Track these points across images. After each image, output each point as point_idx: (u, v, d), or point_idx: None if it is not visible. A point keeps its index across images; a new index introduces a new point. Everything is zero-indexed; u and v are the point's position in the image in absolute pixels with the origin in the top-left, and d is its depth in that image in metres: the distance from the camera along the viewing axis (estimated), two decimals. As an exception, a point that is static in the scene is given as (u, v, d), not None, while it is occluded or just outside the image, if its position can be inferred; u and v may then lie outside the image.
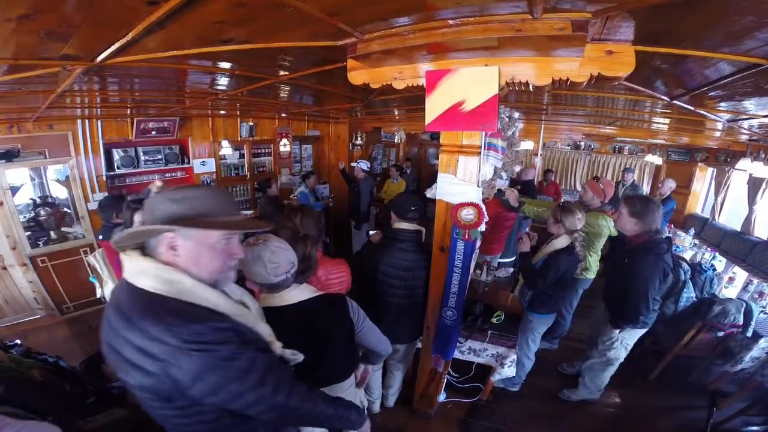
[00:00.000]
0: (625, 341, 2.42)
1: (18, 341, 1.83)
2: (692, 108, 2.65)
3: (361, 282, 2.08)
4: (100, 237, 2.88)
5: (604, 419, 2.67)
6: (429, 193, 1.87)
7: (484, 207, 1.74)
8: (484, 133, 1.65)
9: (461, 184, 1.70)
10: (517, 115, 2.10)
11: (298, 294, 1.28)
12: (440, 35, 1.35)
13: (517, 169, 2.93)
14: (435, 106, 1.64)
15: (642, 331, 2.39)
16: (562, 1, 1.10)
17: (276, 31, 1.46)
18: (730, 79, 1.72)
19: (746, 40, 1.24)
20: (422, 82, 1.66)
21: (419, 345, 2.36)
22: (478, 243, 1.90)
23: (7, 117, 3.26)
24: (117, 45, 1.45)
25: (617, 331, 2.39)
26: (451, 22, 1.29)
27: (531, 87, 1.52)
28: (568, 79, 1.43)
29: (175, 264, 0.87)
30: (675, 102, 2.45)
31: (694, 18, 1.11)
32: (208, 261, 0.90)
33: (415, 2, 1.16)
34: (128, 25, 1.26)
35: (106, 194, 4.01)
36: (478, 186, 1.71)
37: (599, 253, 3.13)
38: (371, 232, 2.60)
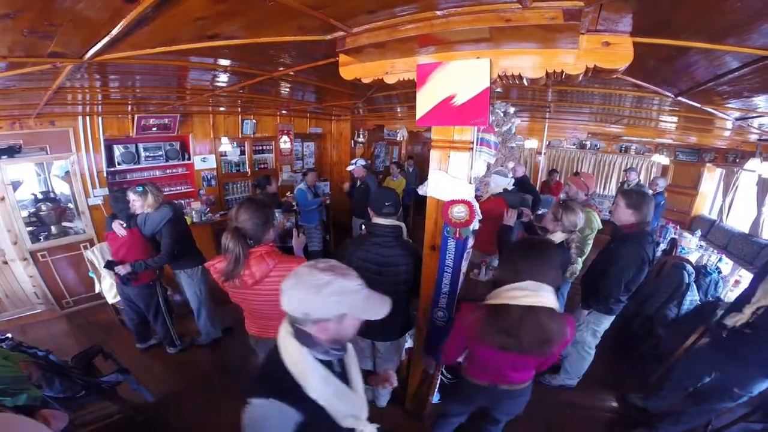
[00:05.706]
0: (591, 325, 2.58)
1: (9, 335, 1.84)
2: (699, 105, 2.56)
3: None
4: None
5: (602, 424, 2.61)
6: (421, 190, 1.83)
7: (476, 204, 1.69)
8: (476, 128, 1.61)
9: (452, 180, 1.66)
10: (512, 110, 2.05)
11: None
12: (429, 27, 1.31)
13: (511, 165, 2.87)
14: (426, 101, 1.60)
15: (610, 318, 2.53)
16: (553, -12, 1.05)
17: (261, 25, 1.43)
18: (737, 73, 1.65)
19: (751, 31, 1.18)
20: (414, 76, 1.63)
21: (409, 344, 2.32)
22: (471, 242, 1.85)
23: (9, 114, 3.28)
24: (102, 43, 1.44)
25: (585, 313, 2.55)
26: (438, 12, 1.25)
27: (525, 80, 1.47)
28: (563, 71, 1.38)
29: None
30: (680, 99, 2.38)
31: (691, 6, 1.05)
32: None
33: (399, -8, 1.12)
34: (110, 23, 1.24)
35: (106, 190, 4.05)
36: (470, 183, 1.66)
37: (588, 249, 3.12)
38: (363, 227, 2.56)
